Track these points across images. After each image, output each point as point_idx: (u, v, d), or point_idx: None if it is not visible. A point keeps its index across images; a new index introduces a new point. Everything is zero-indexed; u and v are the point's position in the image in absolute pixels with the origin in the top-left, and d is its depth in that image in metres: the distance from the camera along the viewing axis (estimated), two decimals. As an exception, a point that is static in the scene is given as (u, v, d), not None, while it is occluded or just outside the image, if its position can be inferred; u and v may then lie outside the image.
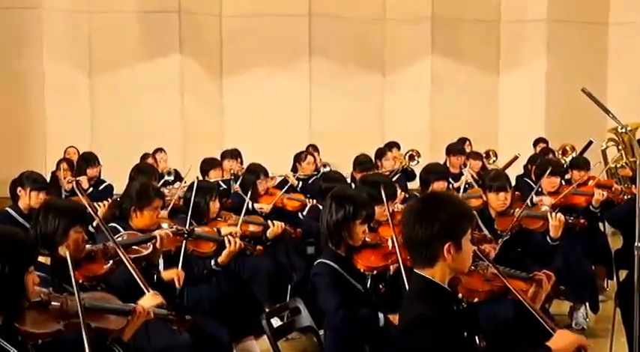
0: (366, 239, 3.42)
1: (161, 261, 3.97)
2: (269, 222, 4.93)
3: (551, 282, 2.72)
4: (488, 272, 2.81)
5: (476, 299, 2.53)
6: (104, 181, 6.81)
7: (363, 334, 3.19)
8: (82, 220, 3.12)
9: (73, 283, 2.30)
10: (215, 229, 4.53)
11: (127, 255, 3.20)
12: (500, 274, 2.66)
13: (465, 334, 2.23)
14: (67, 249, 2.84)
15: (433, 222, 2.18)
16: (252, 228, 4.89)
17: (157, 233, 3.63)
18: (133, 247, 3.51)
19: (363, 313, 3.20)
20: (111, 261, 3.22)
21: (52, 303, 2.40)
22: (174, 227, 4.00)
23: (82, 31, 9.46)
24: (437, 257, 2.19)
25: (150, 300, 3.06)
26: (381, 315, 3.20)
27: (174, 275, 3.66)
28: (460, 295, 2.48)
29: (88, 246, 3.20)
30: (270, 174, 6.36)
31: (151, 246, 3.55)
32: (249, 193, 5.35)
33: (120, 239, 3.47)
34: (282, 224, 4.92)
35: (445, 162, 7.51)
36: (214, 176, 6.75)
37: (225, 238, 4.16)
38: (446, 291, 2.23)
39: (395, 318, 3.17)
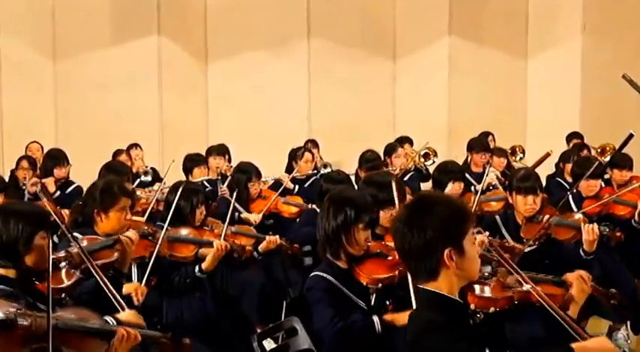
0: (370, 248, 3.44)
1: (134, 270, 3.99)
2: (262, 236, 4.92)
3: (589, 283, 2.73)
4: (509, 278, 2.81)
5: (492, 309, 2.54)
6: (72, 183, 6.82)
7: (360, 347, 3.20)
8: (47, 225, 3.13)
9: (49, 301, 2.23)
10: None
11: (94, 263, 3.24)
12: (519, 275, 2.66)
13: (487, 351, 2.25)
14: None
15: (424, 228, 2.19)
16: (241, 240, 4.88)
17: (121, 237, 3.64)
18: (99, 253, 3.53)
19: (355, 320, 3.21)
20: (77, 271, 3.24)
21: (20, 321, 2.29)
22: (144, 229, 4.01)
23: (44, 8, 9.48)
24: (438, 267, 2.21)
25: (129, 317, 3.08)
26: (375, 319, 3.22)
27: (132, 289, 3.62)
28: (473, 306, 2.49)
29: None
30: (263, 178, 6.35)
31: (117, 252, 3.57)
32: (236, 196, 5.34)
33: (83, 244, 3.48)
34: (277, 238, 4.92)
35: (466, 160, 7.51)
36: (199, 175, 6.77)
37: (214, 243, 4.18)
38: (457, 303, 2.25)
39: (394, 316, 3.22)
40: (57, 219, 3.50)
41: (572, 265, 4.35)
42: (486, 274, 2.85)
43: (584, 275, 2.85)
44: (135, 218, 4.78)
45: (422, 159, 8.10)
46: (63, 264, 3.24)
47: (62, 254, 3.29)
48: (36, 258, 2.96)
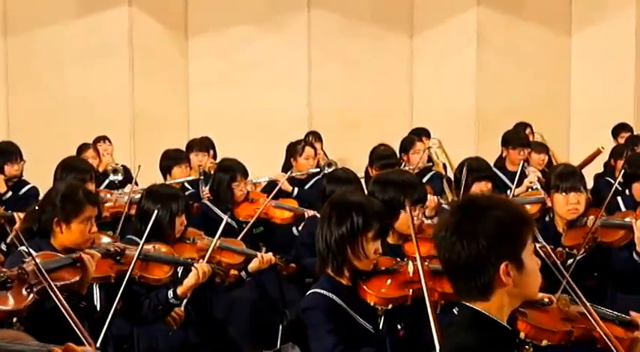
0: (378, 263, 3.45)
1: (96, 292, 3.99)
2: (253, 253, 4.89)
3: None
4: (571, 308, 2.80)
5: (544, 342, 2.52)
6: (27, 183, 6.84)
7: None
8: (1, 238, 3.15)
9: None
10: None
11: (52, 284, 3.23)
12: (587, 311, 2.63)
13: None
14: None
15: (476, 237, 2.18)
16: (228, 258, 4.85)
17: (82, 254, 3.61)
18: (60, 272, 3.51)
19: None
20: (31, 292, 3.24)
21: None
22: (109, 244, 3.98)
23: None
24: (492, 284, 2.20)
25: None
26: None
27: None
28: (523, 335, 2.47)
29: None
30: (252, 178, 6.35)
31: (79, 272, 3.55)
32: (218, 200, 5.32)
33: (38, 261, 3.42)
34: (271, 256, 4.89)
35: (500, 156, 7.53)
36: (179, 175, 6.77)
37: (195, 266, 4.15)
38: (503, 330, 2.24)
39: None
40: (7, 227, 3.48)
41: (626, 276, 4.39)
42: (545, 300, 2.81)
43: None
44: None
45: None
46: (13, 282, 3.23)
47: (14, 271, 3.27)
48: None
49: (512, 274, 2.19)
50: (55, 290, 3.24)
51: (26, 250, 3.48)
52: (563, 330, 2.69)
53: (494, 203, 2.27)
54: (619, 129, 8.74)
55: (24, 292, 3.24)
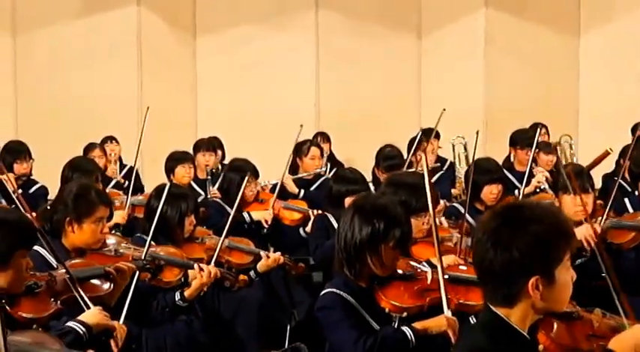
0: (396, 268, 3.44)
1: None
2: (262, 252, 4.92)
3: None
4: (603, 324, 2.77)
5: None
6: (36, 182, 6.87)
7: None
8: (32, 241, 3.14)
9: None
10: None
11: (84, 295, 3.25)
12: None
13: None
14: None
15: (511, 248, 2.17)
16: (236, 258, 4.89)
17: (119, 266, 3.58)
18: (90, 282, 3.49)
19: (385, 336, 3.25)
20: (57, 301, 3.23)
21: None
22: (135, 251, 3.98)
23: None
24: (518, 295, 2.20)
25: (92, 317, 3.16)
26: (407, 330, 3.27)
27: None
28: (542, 347, 2.45)
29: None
30: (261, 181, 6.36)
31: (110, 284, 3.52)
32: (228, 200, 5.31)
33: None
34: (280, 255, 4.93)
35: (508, 157, 7.52)
36: (182, 174, 6.76)
37: (196, 266, 4.20)
38: (522, 339, 2.23)
39: (426, 324, 3.29)
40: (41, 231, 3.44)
41: (632, 276, 4.39)
42: (579, 314, 2.77)
43: None
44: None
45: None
46: (41, 288, 3.20)
47: (45, 276, 3.25)
48: (10, 278, 3.00)
49: (541, 289, 2.19)
50: (87, 301, 3.24)
51: (39, 251, 3.49)
52: (584, 350, 2.65)
53: (538, 215, 2.23)
54: (638, 127, 8.67)
55: (49, 300, 3.22)
